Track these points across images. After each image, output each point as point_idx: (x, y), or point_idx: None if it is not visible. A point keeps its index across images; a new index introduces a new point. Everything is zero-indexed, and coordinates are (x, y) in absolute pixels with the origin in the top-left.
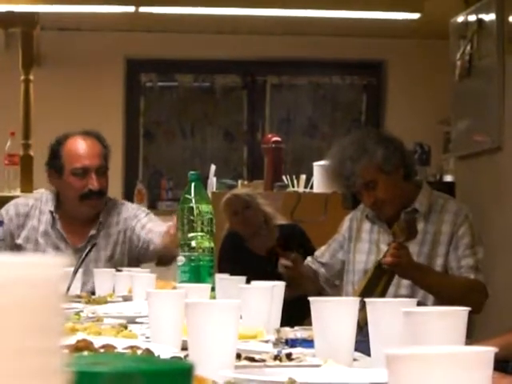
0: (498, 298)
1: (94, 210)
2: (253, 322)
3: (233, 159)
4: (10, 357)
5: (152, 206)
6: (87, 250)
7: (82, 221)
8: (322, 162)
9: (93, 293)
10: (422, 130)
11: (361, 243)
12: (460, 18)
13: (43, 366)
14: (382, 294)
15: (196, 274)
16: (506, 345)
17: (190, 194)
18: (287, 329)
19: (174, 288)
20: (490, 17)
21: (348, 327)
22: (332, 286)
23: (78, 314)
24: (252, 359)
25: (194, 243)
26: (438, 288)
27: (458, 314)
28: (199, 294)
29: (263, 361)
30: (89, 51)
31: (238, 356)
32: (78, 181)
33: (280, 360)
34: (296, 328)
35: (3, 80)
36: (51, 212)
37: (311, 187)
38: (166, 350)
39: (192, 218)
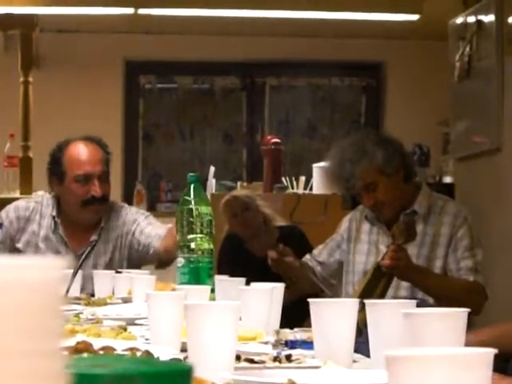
0: (497, 299)
1: (97, 216)
2: (252, 323)
3: (232, 161)
4: (9, 359)
5: (151, 208)
6: (87, 252)
7: (84, 226)
8: (321, 164)
9: (92, 295)
10: (421, 131)
11: (360, 244)
12: (459, 19)
13: (43, 368)
14: (381, 296)
15: (195, 276)
16: (498, 336)
17: (190, 196)
18: (287, 330)
19: (174, 290)
20: (489, 18)
21: (347, 329)
22: (328, 285)
23: (77, 315)
24: (251, 361)
25: (193, 245)
26: (437, 290)
27: (457, 316)
28: (199, 296)
29: (263, 362)
30: (88, 53)
31: (238, 358)
32: (80, 187)
33: (279, 361)
34: (295, 329)
35: (2, 82)
36: (53, 217)
37: (311, 189)
38: (165, 351)
39: (191, 219)
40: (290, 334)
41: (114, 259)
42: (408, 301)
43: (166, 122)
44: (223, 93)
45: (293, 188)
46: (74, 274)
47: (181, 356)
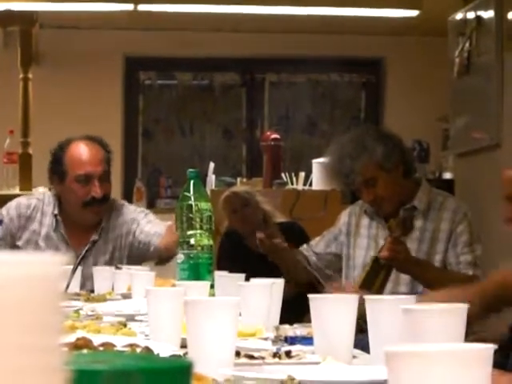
0: None
1: (97, 217)
2: (252, 319)
3: (232, 157)
4: (9, 354)
5: (151, 204)
6: (87, 248)
7: (85, 225)
8: (321, 160)
9: (92, 291)
10: (421, 127)
11: (360, 238)
12: (459, 15)
13: (43, 364)
14: (380, 288)
15: (195, 272)
16: (452, 299)
17: (189, 192)
18: (286, 326)
19: (173, 286)
20: (488, 14)
21: (347, 324)
22: (324, 276)
23: (77, 311)
24: (251, 357)
25: (192, 241)
26: (437, 283)
27: (457, 311)
28: (198, 292)
29: (262, 358)
30: (87, 49)
31: (237, 354)
32: (81, 188)
33: (279, 357)
34: (295, 325)
35: (2, 78)
36: (55, 215)
37: (310, 184)
38: (165, 347)
39: (191, 215)
40: (290, 330)
41: (114, 258)
42: (407, 296)
43: (166, 118)
44: (223, 89)
45: (292, 184)
46: (74, 271)
47: (181, 352)
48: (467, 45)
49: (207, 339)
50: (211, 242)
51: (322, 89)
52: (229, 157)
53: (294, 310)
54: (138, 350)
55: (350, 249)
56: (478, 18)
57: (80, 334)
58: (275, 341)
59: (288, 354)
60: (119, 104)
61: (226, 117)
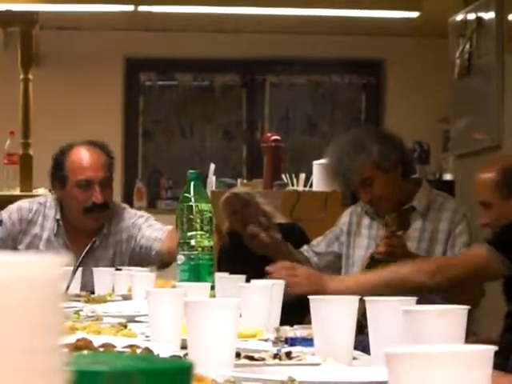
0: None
1: (98, 223)
2: (252, 320)
3: (232, 158)
4: (9, 356)
5: (151, 205)
6: (87, 248)
7: (86, 231)
8: (321, 161)
9: (92, 292)
10: (422, 128)
11: (360, 238)
12: (459, 17)
13: (43, 365)
14: None
15: (195, 273)
16: (387, 281)
17: (190, 193)
18: (287, 327)
19: (174, 287)
20: (489, 15)
21: (347, 326)
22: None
23: (77, 312)
24: (251, 358)
25: (193, 242)
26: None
27: (457, 313)
28: (199, 293)
29: (263, 359)
30: (88, 50)
31: (238, 355)
32: (81, 193)
33: (279, 359)
34: (295, 327)
35: (2, 79)
36: (57, 220)
37: (311, 186)
38: (165, 348)
39: (191, 216)
40: (290, 331)
41: (115, 263)
42: (408, 298)
43: (166, 119)
44: (223, 90)
45: (293, 185)
46: (75, 270)
47: (181, 353)
48: (468, 46)
49: (207, 340)
50: (212, 243)
51: (323, 90)
52: (229, 158)
53: (295, 311)
54: (139, 350)
55: (350, 248)
56: (479, 19)
57: (80, 335)
58: (275, 342)
59: (288, 355)
60: (119, 105)
61: (227, 118)
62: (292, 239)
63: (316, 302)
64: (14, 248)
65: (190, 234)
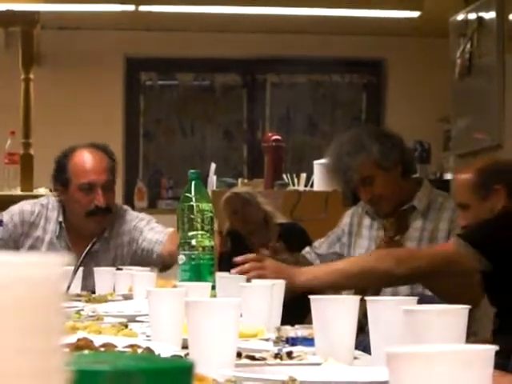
0: None
1: (100, 226)
2: (253, 320)
3: (233, 158)
4: (10, 356)
5: (152, 205)
6: (88, 248)
7: (88, 234)
8: (322, 161)
9: (93, 291)
10: (422, 128)
11: (361, 239)
12: (460, 16)
13: (44, 366)
14: (377, 290)
15: (196, 273)
16: (354, 269)
17: (191, 193)
18: (288, 327)
19: (175, 286)
20: (490, 15)
21: (348, 325)
22: None
23: (78, 312)
24: (252, 358)
25: (194, 242)
26: (434, 283)
27: (458, 312)
28: (199, 293)
29: (264, 359)
30: (89, 50)
31: (239, 354)
32: (84, 196)
33: (280, 358)
34: (296, 326)
35: (3, 79)
36: (60, 222)
37: (311, 185)
38: (166, 348)
39: (192, 216)
40: (291, 331)
41: (116, 266)
42: (408, 298)
43: (167, 119)
44: (224, 89)
45: (293, 185)
46: (76, 270)
47: (182, 353)
48: (468, 46)
49: (208, 340)
50: (212, 243)
51: (323, 90)
52: (230, 158)
53: (296, 311)
54: (139, 350)
55: (351, 249)
56: (480, 19)
57: (81, 334)
58: (276, 342)
59: (289, 354)
60: (120, 105)
61: (227, 117)
62: (293, 239)
63: (317, 302)
64: (16, 250)
65: (190, 233)
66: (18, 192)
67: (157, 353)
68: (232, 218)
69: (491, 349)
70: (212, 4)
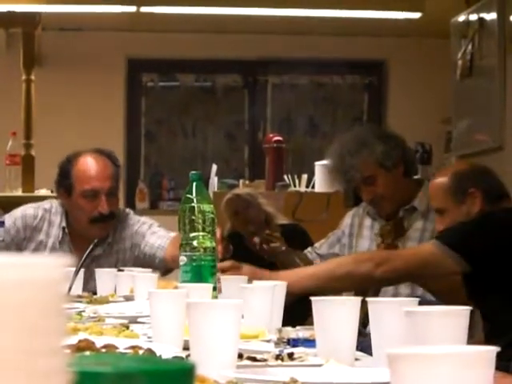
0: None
1: (104, 233)
2: (254, 321)
3: (234, 159)
4: (12, 357)
5: (153, 206)
6: (89, 249)
7: (91, 239)
8: (323, 162)
9: (94, 293)
10: (424, 129)
11: (362, 240)
12: (461, 18)
13: (45, 366)
14: (377, 291)
15: (197, 274)
16: (332, 272)
17: (192, 194)
18: (289, 328)
19: (176, 288)
20: (491, 16)
21: (349, 327)
22: None
23: (79, 313)
24: (254, 359)
25: (195, 243)
26: (435, 286)
27: (459, 313)
28: (201, 294)
29: (265, 360)
30: (90, 51)
31: (240, 356)
32: (87, 203)
33: (282, 360)
34: (298, 328)
35: (4, 80)
36: (63, 228)
37: (313, 187)
38: (167, 349)
39: (193, 217)
40: (293, 332)
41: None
42: (410, 299)
43: (168, 120)
44: (225, 91)
45: (295, 186)
46: (77, 272)
47: (183, 354)
48: (470, 47)
49: (210, 341)
50: (214, 244)
51: (325, 91)
52: (231, 159)
53: (297, 312)
54: (141, 352)
55: (353, 250)
56: (481, 20)
57: (82, 336)
58: (278, 343)
59: (290, 356)
60: (121, 106)
61: (229, 119)
62: (294, 240)
63: (318, 303)
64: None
65: (192, 234)
66: (19, 193)
67: (158, 354)
68: (233, 220)
69: (492, 350)
70: (213, 5)
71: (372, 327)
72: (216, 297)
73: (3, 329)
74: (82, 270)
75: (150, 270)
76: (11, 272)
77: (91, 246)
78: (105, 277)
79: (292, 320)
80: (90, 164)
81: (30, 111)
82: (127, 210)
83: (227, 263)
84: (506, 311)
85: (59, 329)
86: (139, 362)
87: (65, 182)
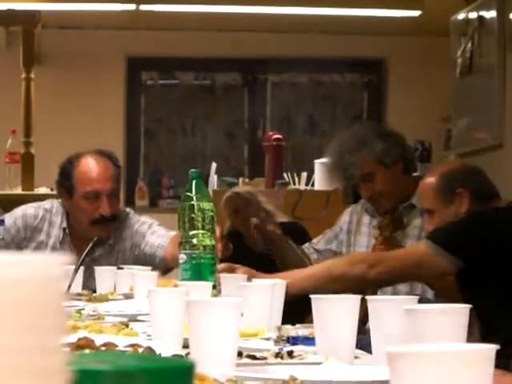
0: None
1: (105, 235)
2: (254, 319)
3: (234, 157)
4: (11, 355)
5: (153, 204)
6: (89, 247)
7: (92, 240)
8: (323, 160)
9: (94, 291)
10: (423, 127)
11: (360, 236)
12: (461, 16)
13: (45, 365)
14: (374, 291)
15: (197, 272)
16: (327, 274)
17: (191, 192)
18: (288, 326)
19: (176, 286)
20: (490, 14)
21: (349, 325)
22: None
23: (79, 311)
24: (253, 357)
25: (195, 241)
26: (437, 284)
27: (459, 311)
28: (200, 292)
29: (264, 359)
30: (90, 49)
31: (240, 354)
32: (89, 205)
33: (281, 358)
34: (297, 326)
35: (4, 78)
36: (64, 228)
37: (312, 185)
38: (167, 348)
39: (193, 215)
40: (292, 330)
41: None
42: (409, 297)
43: (168, 118)
44: (225, 89)
45: (294, 184)
46: (77, 270)
47: (183, 352)
48: (469, 45)
49: (209, 339)
50: (213, 242)
51: (324, 89)
52: (231, 157)
53: (296, 310)
54: (140, 350)
55: (351, 247)
56: (480, 18)
57: (82, 334)
58: (277, 341)
59: (290, 354)
60: (121, 104)
61: (228, 117)
62: (294, 238)
63: (318, 301)
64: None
65: (191, 232)
66: (18, 191)
67: (158, 352)
68: (233, 218)
69: (492, 348)
70: (213, 3)
71: (371, 325)
72: (216, 295)
73: (2, 326)
74: (82, 268)
75: (150, 268)
76: (11, 270)
77: (91, 244)
78: (104, 275)
79: (292, 318)
80: (91, 165)
81: (29, 109)
82: (127, 209)
83: (223, 265)
84: (497, 310)
85: (59, 327)
86: (139, 360)
87: (66, 184)
